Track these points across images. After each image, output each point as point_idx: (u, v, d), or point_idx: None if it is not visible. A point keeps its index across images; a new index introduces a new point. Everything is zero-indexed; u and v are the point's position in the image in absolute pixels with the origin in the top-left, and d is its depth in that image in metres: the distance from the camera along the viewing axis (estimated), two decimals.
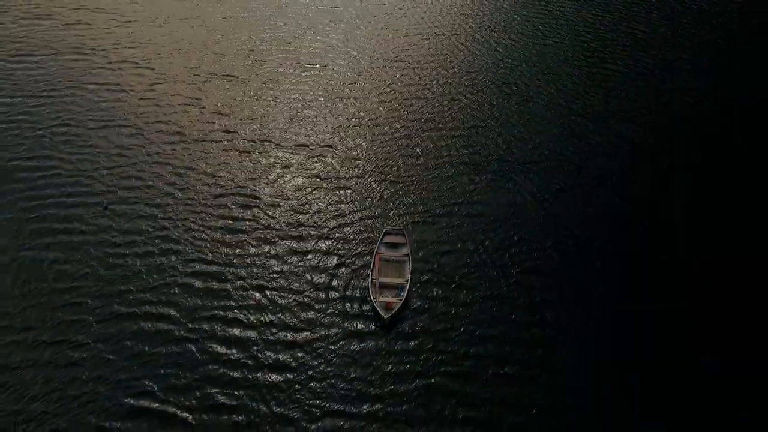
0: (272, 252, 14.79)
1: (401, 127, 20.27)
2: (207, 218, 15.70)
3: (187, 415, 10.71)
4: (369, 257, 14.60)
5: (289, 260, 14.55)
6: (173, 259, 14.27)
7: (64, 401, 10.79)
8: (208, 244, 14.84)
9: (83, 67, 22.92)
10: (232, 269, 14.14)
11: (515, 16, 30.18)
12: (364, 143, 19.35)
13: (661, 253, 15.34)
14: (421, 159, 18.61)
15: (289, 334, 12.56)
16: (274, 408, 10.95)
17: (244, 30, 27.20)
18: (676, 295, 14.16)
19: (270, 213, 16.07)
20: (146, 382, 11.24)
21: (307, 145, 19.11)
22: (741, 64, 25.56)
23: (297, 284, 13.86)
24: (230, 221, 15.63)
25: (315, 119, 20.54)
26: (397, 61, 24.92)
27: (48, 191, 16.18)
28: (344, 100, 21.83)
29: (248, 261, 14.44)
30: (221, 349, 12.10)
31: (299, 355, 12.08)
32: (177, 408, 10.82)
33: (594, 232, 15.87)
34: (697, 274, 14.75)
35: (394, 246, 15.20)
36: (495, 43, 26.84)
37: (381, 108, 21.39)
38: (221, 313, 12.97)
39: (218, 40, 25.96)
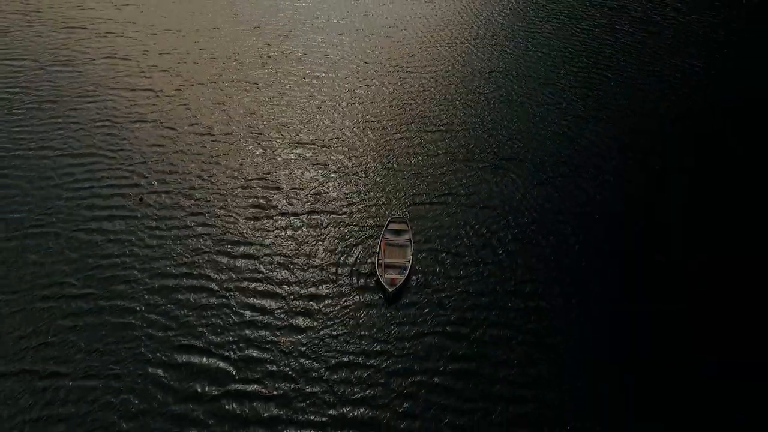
0: (291, 235, 16.80)
1: (403, 127, 22.39)
2: (233, 205, 17.77)
3: (219, 363, 12.70)
4: (376, 241, 16.54)
5: (305, 242, 16.55)
6: (204, 240, 16.32)
7: (131, 343, 12.82)
8: (235, 227, 16.90)
9: (118, 72, 25.23)
10: (256, 247, 16.17)
11: (509, 28, 32.27)
12: (370, 141, 21.44)
13: (654, 243, 17.16)
14: (422, 155, 20.67)
15: (306, 304, 14.50)
16: (296, 362, 12.88)
17: (261, 41, 29.49)
18: (672, 291, 15.22)
19: (288, 201, 18.13)
20: (186, 338, 13.24)
21: (320, 143, 21.23)
22: (727, 67, 27.50)
23: (313, 262, 15.84)
24: (254, 208, 17.69)
25: (327, 120, 22.68)
26: (399, 68, 27.11)
27: (91, 182, 18.30)
28: (352, 103, 23.99)
29: (270, 242, 16.45)
30: (248, 313, 14.08)
31: (315, 320, 14.02)
32: (213, 358, 12.80)
33: (582, 222, 17.74)
34: (692, 275, 15.63)
35: (397, 232, 17.13)
36: (490, 53, 28.95)
37: (385, 110, 23.53)
38: (248, 284, 14.97)
39: (238, 51, 28.24)
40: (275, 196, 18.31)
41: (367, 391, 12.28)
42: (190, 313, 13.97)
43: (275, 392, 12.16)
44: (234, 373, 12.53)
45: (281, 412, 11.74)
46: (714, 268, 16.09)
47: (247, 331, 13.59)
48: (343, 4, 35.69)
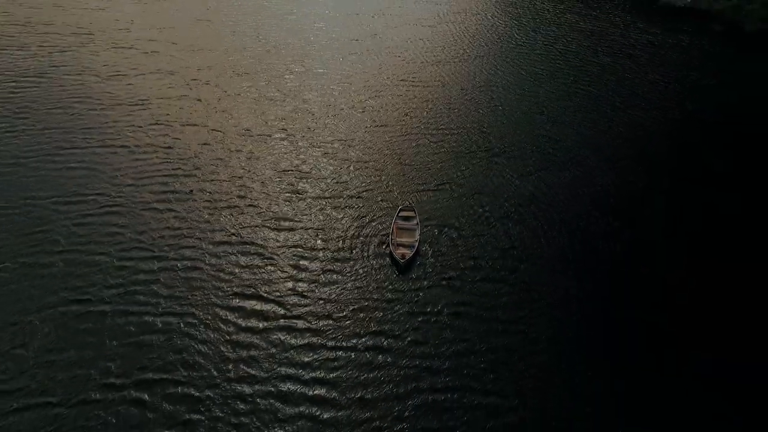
0: (318, 216, 20.36)
1: (409, 130, 26.28)
2: (271, 190, 21.54)
3: (270, 305, 16.33)
4: (389, 225, 20.13)
5: (331, 222, 20.19)
6: (249, 217, 20.00)
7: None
8: (274, 207, 20.59)
9: (165, 84, 29.30)
10: (291, 223, 19.79)
11: (501, 51, 36.41)
12: (382, 142, 25.30)
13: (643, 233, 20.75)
14: (426, 153, 24.45)
15: (329, 275, 17.75)
16: (326, 310, 16.47)
17: (284, 59, 33.64)
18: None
19: (314, 189, 21.79)
20: (243, 287, 16.89)
21: (339, 143, 25.06)
22: (696, 83, 31.43)
23: (339, 238, 19.45)
24: (288, 193, 21.39)
25: (344, 124, 26.55)
26: (405, 81, 31.16)
27: (146, 180, 21.98)
28: (365, 110, 27.98)
29: (301, 221, 20.02)
30: (289, 271, 17.69)
31: (336, 288, 17.31)
32: (264, 302, 16.45)
33: (561, 204, 21.21)
34: (679, 280, 17.87)
35: (406, 218, 20.70)
36: (484, 70, 32.93)
37: (394, 116, 27.47)
38: (287, 250, 18.60)
39: (265, 67, 32.33)
40: (304, 185, 22.05)
41: (383, 336, 15.76)
42: (242, 271, 17.57)
43: (314, 325, 15.80)
44: (281, 311, 16.18)
45: (319, 345, 15.37)
46: (702, 273, 18.32)
47: (289, 284, 17.23)
48: (355, 26, 39.93)
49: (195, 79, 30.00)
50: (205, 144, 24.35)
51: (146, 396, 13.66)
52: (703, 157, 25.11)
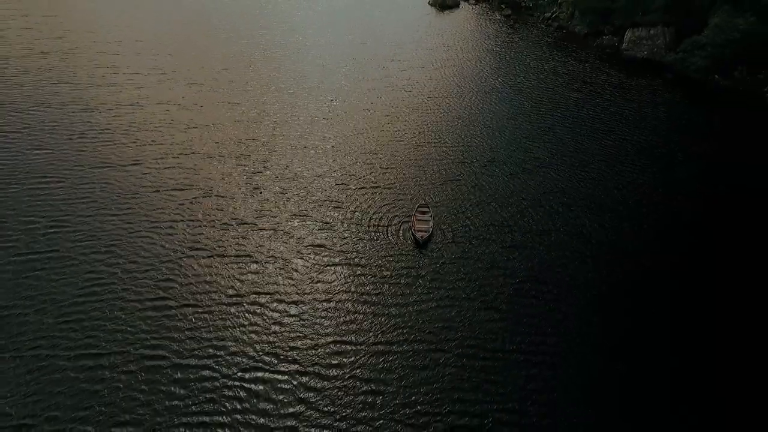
0: (356, 209, 28.35)
1: (423, 145, 34.92)
2: (318, 185, 29.75)
3: (310, 272, 24.11)
4: (410, 216, 28.05)
5: (369, 212, 28.16)
6: (301, 204, 27.98)
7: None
8: (317, 200, 28.65)
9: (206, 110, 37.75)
10: (336, 212, 27.84)
11: (499, 84, 45.23)
12: (401, 154, 33.76)
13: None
14: (437, 164, 32.82)
15: (368, 246, 25.83)
16: (361, 273, 24.25)
17: (325, 92, 42.24)
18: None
19: (350, 191, 29.84)
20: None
21: (370, 153, 33.40)
22: (653, 115, 40.07)
23: (374, 224, 27.34)
24: (327, 191, 29.62)
25: (370, 141, 35.04)
26: (416, 109, 39.87)
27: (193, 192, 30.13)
28: (387, 131, 36.65)
29: (343, 211, 28.00)
30: (333, 248, 25.51)
31: (371, 257, 25.18)
32: (308, 270, 24.22)
33: (542, 198, 29.38)
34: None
35: (423, 213, 28.73)
36: (480, 101, 41.64)
37: (409, 135, 36.16)
38: (333, 231, 26.48)
39: (313, 97, 40.90)
40: (340, 185, 30.25)
41: (405, 287, 23.56)
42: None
43: (358, 277, 23.56)
44: (325, 277, 23.97)
45: (362, 284, 23.12)
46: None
47: (329, 255, 25.11)
48: (373, 69, 48.66)
49: (223, 100, 38.57)
50: (242, 156, 32.60)
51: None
52: (633, 164, 33.61)
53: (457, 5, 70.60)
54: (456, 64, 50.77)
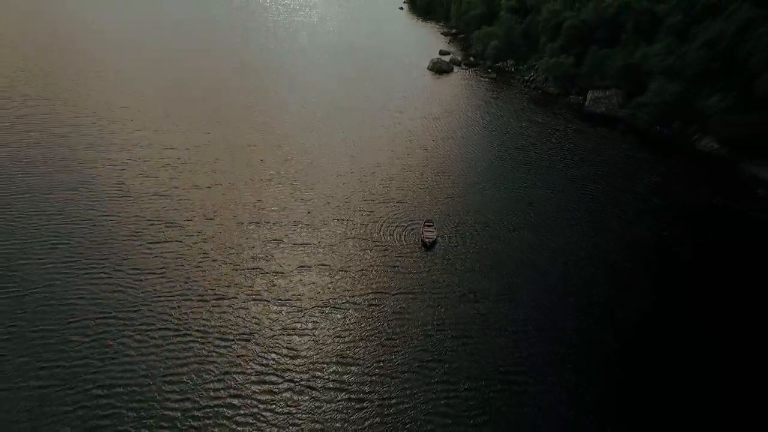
0: (377, 221, 39.14)
1: (429, 174, 46.07)
2: (345, 206, 40.47)
3: (333, 271, 34.66)
4: (419, 228, 38.80)
5: (386, 224, 38.89)
6: (321, 214, 38.68)
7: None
8: (353, 218, 39.36)
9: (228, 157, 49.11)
10: (361, 227, 38.51)
11: (487, 131, 57.11)
12: (411, 180, 44.88)
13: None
14: (441, 189, 43.95)
15: (386, 247, 36.49)
16: (374, 271, 34.79)
17: (350, 147, 53.93)
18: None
19: (371, 207, 40.67)
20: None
21: (387, 179, 44.35)
22: (604, 157, 51.55)
23: (388, 233, 38.02)
24: (361, 201, 40.37)
25: (387, 171, 46.10)
26: (423, 149, 51.26)
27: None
28: (399, 165, 47.80)
29: (363, 225, 38.72)
30: (353, 251, 36.08)
31: (385, 256, 35.85)
32: (333, 269, 34.76)
33: (531, 218, 40.16)
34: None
35: (429, 226, 39.57)
36: (472, 142, 53.24)
37: (417, 166, 47.44)
38: (354, 239, 37.13)
39: (339, 139, 52.54)
40: (361, 205, 41.09)
41: (414, 281, 34.03)
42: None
43: (378, 272, 34.03)
44: (358, 265, 34.47)
45: (376, 279, 33.60)
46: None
47: (353, 253, 35.59)
48: (384, 118, 60.73)
49: (248, 144, 50.01)
50: (277, 184, 43.65)
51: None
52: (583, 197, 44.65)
53: (451, 70, 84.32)
54: (452, 115, 63.16)
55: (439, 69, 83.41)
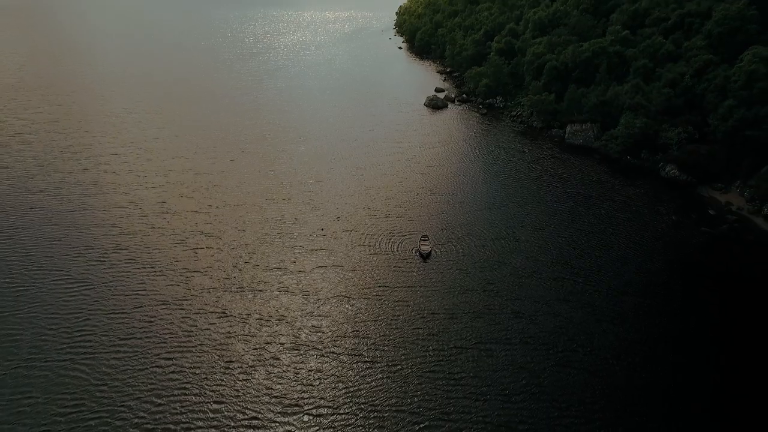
0: (382, 237, 46.13)
1: (427, 194, 53.17)
2: (346, 222, 47.49)
3: (342, 277, 41.53)
4: (416, 241, 45.75)
5: (390, 238, 45.87)
6: (326, 223, 45.67)
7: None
8: (346, 230, 46.39)
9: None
10: (370, 248, 45.49)
11: (479, 158, 64.73)
12: (411, 199, 52.07)
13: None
14: (437, 207, 51.08)
15: (385, 258, 43.42)
16: (381, 277, 41.66)
17: (365, 176, 61.52)
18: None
19: (375, 224, 47.73)
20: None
21: (389, 199, 51.50)
22: (582, 183, 58.94)
23: (389, 248, 44.96)
24: (355, 224, 47.41)
25: (388, 193, 53.29)
26: (423, 173, 58.68)
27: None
28: (399, 187, 55.09)
29: (367, 240, 45.74)
30: (357, 258, 42.98)
31: (388, 260, 42.80)
32: (338, 273, 41.59)
33: (523, 232, 47.10)
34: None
35: (425, 240, 46.62)
36: (465, 168, 60.73)
37: (416, 187, 54.71)
38: (360, 248, 44.06)
39: (349, 166, 60.06)
40: (366, 220, 48.09)
41: (412, 287, 40.90)
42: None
43: (378, 279, 40.88)
44: (361, 275, 41.34)
45: (377, 285, 40.45)
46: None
47: (361, 258, 42.49)
48: (387, 146, 68.51)
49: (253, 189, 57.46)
50: (324, 194, 50.85)
51: None
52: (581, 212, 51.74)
53: (446, 106, 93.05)
54: (446, 145, 71.17)
55: (435, 105, 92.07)
